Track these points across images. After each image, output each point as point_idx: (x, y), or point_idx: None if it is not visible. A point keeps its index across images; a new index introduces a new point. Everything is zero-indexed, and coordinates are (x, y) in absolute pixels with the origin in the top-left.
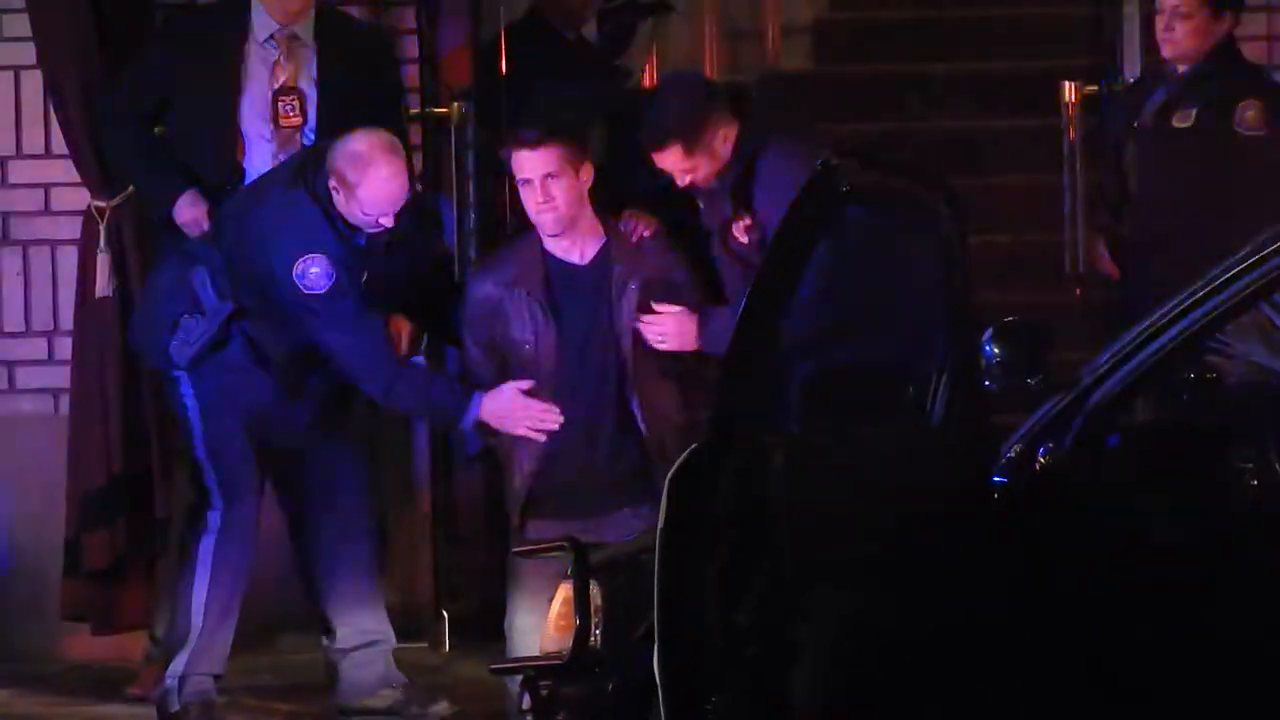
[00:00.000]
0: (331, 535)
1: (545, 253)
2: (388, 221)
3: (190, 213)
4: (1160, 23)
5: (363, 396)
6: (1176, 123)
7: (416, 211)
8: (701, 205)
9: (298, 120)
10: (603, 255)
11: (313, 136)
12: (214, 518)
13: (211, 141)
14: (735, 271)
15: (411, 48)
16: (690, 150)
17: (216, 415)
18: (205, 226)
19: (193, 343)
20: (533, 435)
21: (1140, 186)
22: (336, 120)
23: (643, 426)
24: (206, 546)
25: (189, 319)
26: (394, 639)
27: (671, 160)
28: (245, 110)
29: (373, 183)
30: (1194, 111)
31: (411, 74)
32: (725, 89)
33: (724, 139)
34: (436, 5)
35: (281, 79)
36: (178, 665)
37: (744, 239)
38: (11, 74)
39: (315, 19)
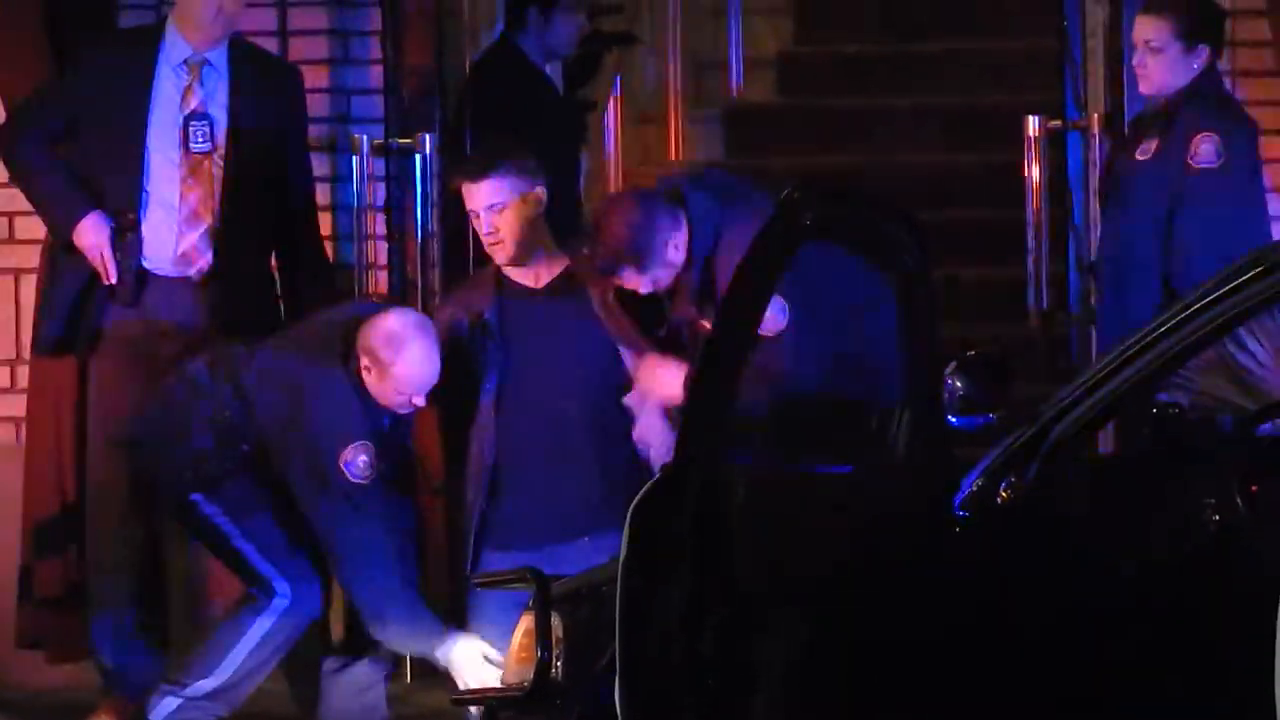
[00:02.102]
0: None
1: (500, 276)
2: (420, 401)
3: (91, 237)
4: (1135, 58)
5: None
6: (1139, 156)
7: None
8: (666, 302)
9: (207, 146)
10: (561, 280)
11: (222, 164)
12: (279, 601)
13: (117, 163)
14: None
15: (376, 78)
16: (642, 270)
17: (244, 508)
18: (107, 252)
19: (207, 474)
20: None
21: (1106, 220)
22: (246, 149)
23: (603, 453)
24: (262, 623)
25: (206, 460)
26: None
27: (629, 280)
28: (153, 134)
29: (407, 362)
30: (1154, 145)
31: (376, 104)
32: (665, 195)
33: (674, 248)
34: (401, 35)
35: (192, 104)
36: (199, 689)
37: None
38: None
39: (228, 48)
